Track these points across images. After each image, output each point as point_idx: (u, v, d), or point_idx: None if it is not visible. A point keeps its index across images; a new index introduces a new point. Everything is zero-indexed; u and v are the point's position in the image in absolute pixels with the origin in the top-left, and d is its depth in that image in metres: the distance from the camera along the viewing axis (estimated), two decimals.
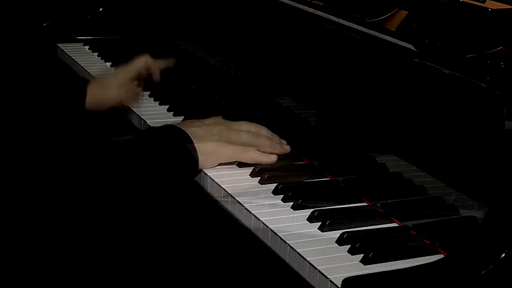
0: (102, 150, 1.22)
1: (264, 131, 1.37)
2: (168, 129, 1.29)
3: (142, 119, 1.54)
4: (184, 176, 1.28)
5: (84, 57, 1.94)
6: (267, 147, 1.34)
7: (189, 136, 1.27)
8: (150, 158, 1.24)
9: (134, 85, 1.63)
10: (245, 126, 1.36)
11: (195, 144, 1.27)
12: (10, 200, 1.15)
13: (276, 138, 1.37)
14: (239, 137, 1.32)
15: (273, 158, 1.34)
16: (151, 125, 1.49)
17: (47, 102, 1.54)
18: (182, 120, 1.51)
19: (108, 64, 1.90)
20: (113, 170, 1.20)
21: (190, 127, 1.30)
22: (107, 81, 1.62)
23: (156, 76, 1.65)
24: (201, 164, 1.28)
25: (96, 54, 1.98)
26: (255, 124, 1.37)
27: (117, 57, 1.90)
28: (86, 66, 1.86)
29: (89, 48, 2.02)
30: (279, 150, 1.35)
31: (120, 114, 1.64)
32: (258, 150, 1.33)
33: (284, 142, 1.38)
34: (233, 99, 1.65)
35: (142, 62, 1.63)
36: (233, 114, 1.56)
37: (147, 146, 1.26)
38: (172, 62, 1.69)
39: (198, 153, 1.27)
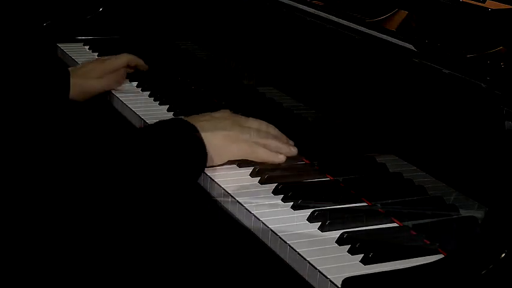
0: (110, 145, 1.21)
1: (272, 129, 1.36)
2: (177, 123, 1.28)
3: (143, 119, 1.54)
4: (194, 170, 1.26)
5: (84, 57, 1.94)
6: (274, 147, 1.33)
7: (198, 130, 1.26)
8: (160, 150, 1.22)
9: (117, 75, 1.71)
10: (253, 123, 1.35)
11: (203, 138, 1.26)
12: (9, 198, 1.15)
13: (284, 138, 1.36)
14: (247, 135, 1.31)
15: (281, 158, 1.32)
16: None
17: (41, 99, 1.54)
18: None
19: None
20: (120, 165, 1.19)
21: (200, 121, 1.29)
22: (89, 72, 1.68)
23: (143, 66, 1.76)
24: (209, 160, 1.27)
25: (96, 54, 1.98)
26: (264, 122, 1.36)
27: None
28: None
29: (89, 48, 2.02)
30: (286, 151, 1.34)
31: (119, 114, 1.65)
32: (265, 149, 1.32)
33: (291, 143, 1.36)
34: (233, 99, 1.65)
35: (124, 58, 1.72)
36: None
37: (157, 139, 1.24)
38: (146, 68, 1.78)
39: (205, 148, 1.26)
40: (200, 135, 1.26)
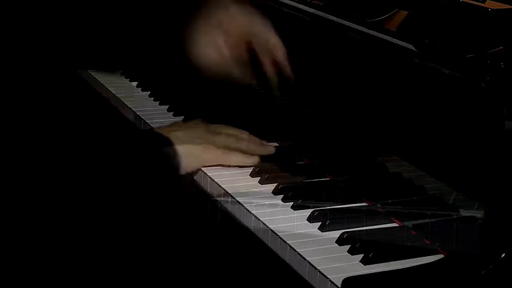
0: (85, 155, 1.22)
1: (244, 134, 1.36)
2: (148, 134, 1.30)
3: (142, 119, 1.54)
4: (167, 180, 1.28)
5: None
6: (249, 149, 1.33)
7: (170, 140, 1.27)
8: (130, 163, 1.24)
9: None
10: (225, 129, 1.35)
11: (176, 148, 1.27)
12: (8, 198, 1.15)
13: (257, 140, 1.37)
14: (221, 140, 1.32)
15: (255, 160, 1.33)
16: (151, 125, 1.49)
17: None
18: (182, 120, 1.51)
19: None
20: (93, 172, 1.20)
21: (171, 131, 1.30)
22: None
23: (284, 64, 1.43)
24: (184, 168, 1.28)
25: None
26: (236, 128, 1.37)
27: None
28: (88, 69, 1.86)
29: None
30: (263, 151, 1.35)
31: (120, 114, 1.65)
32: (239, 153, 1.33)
33: (267, 143, 1.37)
34: (232, 99, 1.65)
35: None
36: (231, 115, 1.56)
37: (128, 152, 1.26)
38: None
39: (180, 157, 1.27)
40: (172, 147, 1.27)
